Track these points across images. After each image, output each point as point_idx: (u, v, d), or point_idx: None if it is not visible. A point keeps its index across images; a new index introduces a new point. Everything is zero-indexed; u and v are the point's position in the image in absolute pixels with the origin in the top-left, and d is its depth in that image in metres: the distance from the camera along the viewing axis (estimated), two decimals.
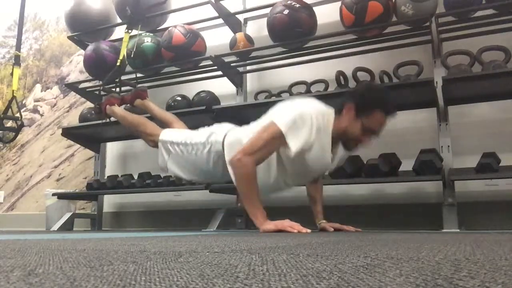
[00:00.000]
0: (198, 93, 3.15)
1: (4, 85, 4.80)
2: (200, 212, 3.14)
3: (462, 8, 2.44)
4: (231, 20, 3.23)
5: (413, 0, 2.46)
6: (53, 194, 3.39)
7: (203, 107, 2.91)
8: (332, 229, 2.02)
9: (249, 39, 3.00)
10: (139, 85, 2.85)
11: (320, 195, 2.15)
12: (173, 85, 3.42)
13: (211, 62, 3.04)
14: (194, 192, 3.15)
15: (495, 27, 2.48)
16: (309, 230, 1.72)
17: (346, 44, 2.78)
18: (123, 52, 2.93)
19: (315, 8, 2.82)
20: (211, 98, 3.08)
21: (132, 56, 3.15)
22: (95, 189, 3.26)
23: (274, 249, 0.78)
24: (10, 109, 3.26)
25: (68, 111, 4.25)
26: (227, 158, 1.94)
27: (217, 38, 3.31)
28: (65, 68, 4.41)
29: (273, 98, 2.86)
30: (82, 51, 3.72)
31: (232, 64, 3.12)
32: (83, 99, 3.94)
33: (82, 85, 3.64)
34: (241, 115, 3.02)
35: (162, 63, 3.23)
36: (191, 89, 3.27)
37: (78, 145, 3.87)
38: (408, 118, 2.75)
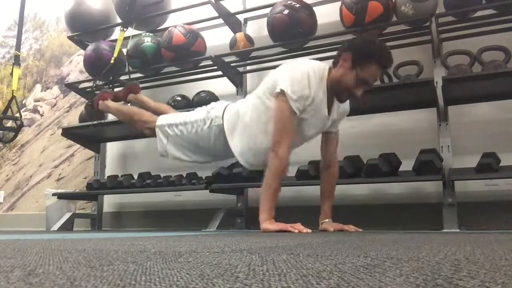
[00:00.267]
0: (198, 93, 3.15)
1: (4, 85, 4.80)
2: (200, 212, 3.14)
3: (462, 8, 2.44)
4: (231, 20, 3.23)
5: (413, 0, 2.46)
6: (53, 194, 3.39)
7: None
8: (332, 229, 2.02)
9: (249, 39, 3.00)
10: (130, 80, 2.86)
11: (329, 191, 2.10)
12: (173, 85, 3.42)
13: (211, 62, 3.04)
14: (194, 192, 3.15)
15: (495, 27, 2.48)
16: (309, 230, 1.72)
17: None
18: (117, 50, 2.94)
19: (315, 8, 2.82)
20: (211, 98, 3.07)
21: (129, 56, 3.16)
22: (95, 189, 3.26)
23: (274, 249, 0.78)
24: (10, 109, 3.26)
25: (68, 111, 4.25)
26: (226, 128, 1.97)
27: (217, 38, 3.31)
28: (65, 68, 4.41)
29: None
30: (82, 51, 3.72)
31: (232, 64, 3.12)
32: (83, 99, 3.93)
33: (82, 85, 3.64)
34: None
35: (162, 63, 3.23)
36: (191, 89, 3.27)
37: (78, 145, 3.87)
38: (408, 118, 2.76)
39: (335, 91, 1.90)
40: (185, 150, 2.13)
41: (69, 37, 3.70)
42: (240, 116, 1.98)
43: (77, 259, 0.60)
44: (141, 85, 3.27)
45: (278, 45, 2.87)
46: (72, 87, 3.68)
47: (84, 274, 0.44)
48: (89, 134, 3.47)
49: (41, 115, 4.43)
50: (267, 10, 2.90)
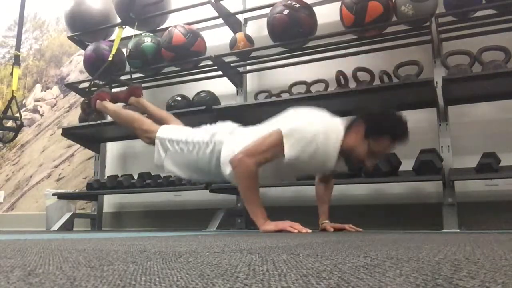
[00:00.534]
0: (198, 93, 3.14)
1: (4, 85, 4.80)
2: (200, 212, 3.14)
3: (462, 8, 2.44)
4: (231, 20, 3.23)
5: (413, 0, 2.46)
6: (53, 194, 3.39)
7: (203, 107, 2.91)
8: (332, 229, 2.02)
9: (249, 39, 3.00)
10: (133, 82, 2.83)
11: (328, 197, 2.13)
12: (173, 85, 3.42)
13: (211, 62, 3.04)
14: (194, 192, 3.15)
15: (495, 27, 2.47)
16: (309, 230, 1.72)
17: (346, 44, 2.78)
18: (115, 47, 2.93)
19: (315, 8, 2.82)
20: (211, 98, 3.08)
21: (130, 56, 3.16)
22: (95, 189, 3.26)
23: (274, 249, 0.78)
24: (10, 109, 3.26)
25: (68, 111, 4.25)
26: (222, 158, 1.92)
27: (217, 38, 3.31)
28: (65, 68, 4.41)
29: (273, 98, 2.86)
30: (82, 51, 3.72)
31: (232, 64, 3.12)
32: (83, 99, 3.93)
33: (82, 85, 3.64)
34: (241, 115, 3.02)
35: (162, 63, 3.23)
36: (191, 89, 3.27)
37: (78, 145, 3.87)
38: (408, 118, 2.73)
39: (346, 156, 1.83)
40: (183, 167, 2.08)
41: (69, 37, 3.70)
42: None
43: (77, 259, 0.60)
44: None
45: (278, 45, 2.87)
46: (72, 87, 3.68)
47: (84, 274, 0.44)
48: (89, 134, 3.47)
49: (41, 115, 4.43)
50: (267, 10, 2.90)
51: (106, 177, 3.44)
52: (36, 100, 4.51)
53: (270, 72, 3.19)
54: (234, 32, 3.16)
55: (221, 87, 3.21)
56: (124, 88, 2.66)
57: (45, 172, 4.20)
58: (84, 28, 3.52)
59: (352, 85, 2.68)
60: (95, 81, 2.78)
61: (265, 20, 2.89)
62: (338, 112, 2.79)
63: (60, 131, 3.57)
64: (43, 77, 4.54)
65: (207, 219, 2.74)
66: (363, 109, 1.91)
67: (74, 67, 4.33)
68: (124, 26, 3.00)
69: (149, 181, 3.02)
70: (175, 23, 3.18)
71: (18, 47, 3.40)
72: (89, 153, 3.83)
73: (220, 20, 3.20)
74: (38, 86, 4.54)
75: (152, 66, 3.25)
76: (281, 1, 2.78)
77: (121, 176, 3.21)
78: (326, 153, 1.78)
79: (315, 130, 1.75)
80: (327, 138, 1.77)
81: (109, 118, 3.18)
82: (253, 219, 1.81)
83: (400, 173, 2.41)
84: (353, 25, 2.59)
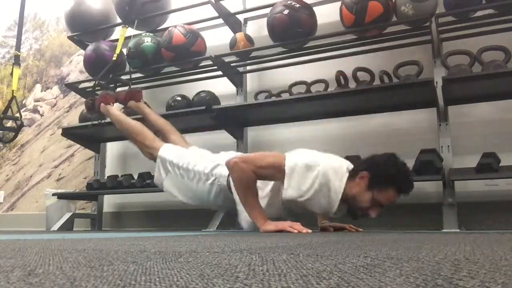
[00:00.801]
0: (198, 93, 3.14)
1: (4, 85, 4.80)
2: (200, 212, 3.14)
3: (462, 8, 2.44)
4: (231, 20, 3.23)
5: (413, 0, 2.46)
6: (53, 194, 3.39)
7: (203, 107, 2.90)
8: (332, 229, 2.02)
9: (249, 39, 3.00)
10: (133, 86, 2.81)
11: None
12: (173, 85, 3.42)
13: (211, 62, 3.04)
14: None
15: (495, 27, 2.47)
16: (309, 230, 1.72)
17: (346, 44, 2.78)
18: (119, 47, 2.93)
19: (315, 8, 2.82)
20: (211, 98, 3.08)
21: (130, 56, 3.15)
22: (95, 189, 3.26)
23: (274, 249, 0.78)
24: (10, 109, 3.26)
25: (68, 111, 4.25)
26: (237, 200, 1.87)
27: (217, 38, 3.31)
28: (65, 68, 4.41)
29: (273, 98, 2.86)
30: (82, 51, 3.72)
31: (232, 64, 3.12)
32: (83, 99, 3.92)
33: (82, 85, 3.64)
34: (241, 115, 3.03)
35: (162, 63, 3.23)
36: (191, 89, 3.27)
37: (78, 145, 3.87)
38: (408, 118, 2.76)
39: (349, 204, 1.79)
40: (182, 192, 2.07)
41: (69, 37, 3.70)
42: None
43: (77, 259, 0.60)
44: (141, 85, 3.28)
45: (278, 45, 2.87)
46: (72, 87, 3.68)
47: (84, 274, 0.44)
48: (89, 134, 3.47)
49: (41, 115, 4.43)
50: (267, 10, 2.90)
51: (106, 177, 3.44)
52: (36, 100, 4.51)
53: (270, 72, 3.19)
54: (234, 32, 3.16)
55: (221, 87, 3.21)
56: (124, 88, 2.66)
57: (45, 172, 4.20)
58: (84, 28, 3.52)
59: (352, 85, 2.68)
60: (99, 81, 2.77)
61: (265, 20, 2.89)
62: (338, 112, 2.82)
63: (60, 131, 3.57)
64: (43, 77, 4.54)
65: (207, 219, 2.74)
66: (369, 158, 1.84)
67: (74, 67, 4.33)
68: (127, 26, 2.99)
69: (149, 181, 3.02)
70: (175, 23, 3.18)
71: (18, 47, 3.40)
72: (89, 153, 3.83)
73: (220, 20, 3.20)
74: (38, 86, 4.54)
75: (152, 66, 3.25)
76: (281, 1, 2.78)
77: (121, 176, 3.21)
78: (327, 197, 1.74)
79: (320, 169, 1.71)
80: (330, 183, 1.72)
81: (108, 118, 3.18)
82: (253, 221, 1.81)
83: None
84: (353, 25, 2.59)
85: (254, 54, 3.05)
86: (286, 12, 2.71)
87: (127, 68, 3.30)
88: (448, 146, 2.44)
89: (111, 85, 2.88)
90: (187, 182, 2.01)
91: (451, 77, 2.34)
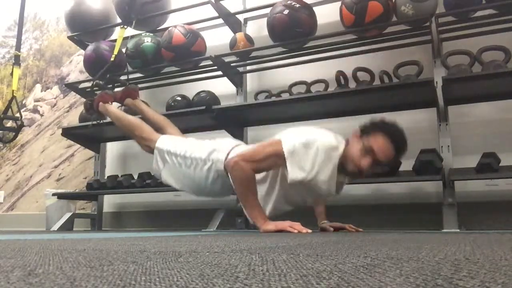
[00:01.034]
0: (198, 93, 3.14)
1: (4, 85, 4.80)
2: (200, 212, 3.14)
3: (462, 8, 2.44)
4: (231, 20, 3.23)
5: (413, 0, 2.46)
6: (53, 194, 3.39)
7: (203, 107, 2.91)
8: (332, 229, 2.02)
9: (249, 39, 3.00)
10: (130, 84, 2.81)
11: (323, 204, 2.14)
12: (173, 85, 3.42)
13: (211, 62, 3.04)
14: None
15: (495, 27, 2.47)
16: (309, 230, 1.72)
17: (346, 44, 2.78)
18: (117, 47, 2.93)
19: (315, 8, 2.82)
20: (211, 98, 3.08)
21: (130, 56, 3.15)
22: (95, 189, 3.26)
23: (274, 249, 0.78)
24: (10, 109, 3.26)
25: (68, 111, 4.25)
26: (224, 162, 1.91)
27: (217, 38, 3.31)
28: (65, 68, 4.41)
29: (273, 98, 2.86)
30: (82, 51, 3.72)
31: (232, 64, 3.12)
32: (83, 99, 3.92)
33: (82, 85, 3.64)
34: (241, 115, 3.03)
35: (162, 63, 3.23)
36: (191, 89, 3.27)
37: (78, 145, 3.87)
38: (408, 118, 2.75)
39: (345, 168, 1.80)
40: (179, 181, 2.07)
41: (69, 37, 3.70)
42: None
43: (77, 259, 0.60)
44: (141, 85, 3.28)
45: (278, 45, 2.87)
46: (72, 87, 3.68)
47: (84, 274, 0.44)
48: (89, 134, 3.47)
49: (41, 115, 4.43)
50: (267, 10, 2.90)
51: (106, 177, 3.44)
52: (36, 100, 4.51)
53: (270, 72, 3.19)
54: (234, 32, 3.16)
55: (221, 87, 3.21)
56: (121, 88, 2.66)
57: (45, 172, 4.20)
58: (84, 28, 3.52)
59: (352, 85, 2.68)
60: (97, 81, 2.77)
61: (265, 20, 2.89)
62: (338, 112, 2.82)
63: (60, 131, 3.57)
64: (43, 77, 4.54)
65: (207, 219, 2.74)
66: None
67: (74, 67, 4.33)
68: (125, 27, 2.99)
69: (149, 181, 3.02)
70: (175, 23, 3.18)
71: (18, 47, 3.39)
72: (89, 153, 3.83)
73: (220, 20, 3.20)
74: (38, 86, 4.54)
75: (152, 66, 3.25)
76: (281, 1, 2.78)
77: (121, 176, 3.21)
78: (333, 166, 1.76)
79: (318, 145, 1.72)
80: (332, 152, 1.74)
81: (108, 119, 3.18)
82: (253, 221, 1.81)
83: (400, 173, 2.41)
84: (353, 25, 2.59)
85: (254, 54, 3.05)
86: (286, 12, 2.71)
87: (127, 68, 3.30)
88: (448, 146, 2.45)
89: (109, 86, 2.88)
90: (184, 170, 2.02)
91: (451, 77, 2.34)
